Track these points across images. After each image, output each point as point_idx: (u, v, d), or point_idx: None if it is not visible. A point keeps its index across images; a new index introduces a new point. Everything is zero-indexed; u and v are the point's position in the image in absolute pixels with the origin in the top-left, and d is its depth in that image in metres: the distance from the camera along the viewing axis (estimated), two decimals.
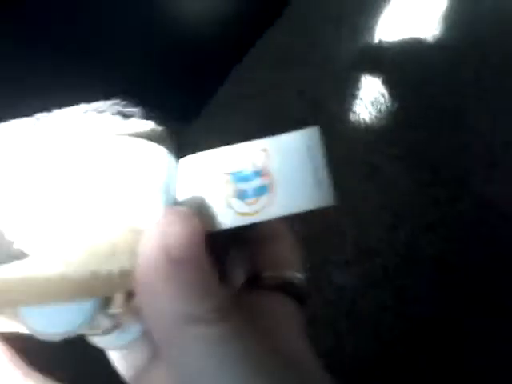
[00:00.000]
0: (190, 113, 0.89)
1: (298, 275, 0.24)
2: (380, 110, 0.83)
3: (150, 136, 0.21)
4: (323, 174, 0.19)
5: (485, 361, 0.57)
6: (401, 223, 0.68)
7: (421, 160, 0.73)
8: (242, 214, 0.19)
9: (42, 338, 0.20)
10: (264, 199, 0.19)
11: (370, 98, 0.85)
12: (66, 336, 0.20)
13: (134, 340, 0.22)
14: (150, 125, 0.21)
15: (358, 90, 0.87)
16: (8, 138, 0.21)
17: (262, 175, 0.19)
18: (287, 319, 0.22)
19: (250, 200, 0.19)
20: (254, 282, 0.23)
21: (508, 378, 0.56)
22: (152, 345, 0.23)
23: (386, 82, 0.87)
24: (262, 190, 0.19)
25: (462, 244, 0.65)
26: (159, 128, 0.21)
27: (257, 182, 0.19)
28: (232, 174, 0.19)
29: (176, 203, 0.20)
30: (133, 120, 0.21)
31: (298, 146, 0.20)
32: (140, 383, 0.23)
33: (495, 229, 0.66)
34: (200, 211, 0.19)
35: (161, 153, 0.20)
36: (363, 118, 0.82)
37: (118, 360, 0.24)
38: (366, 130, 0.81)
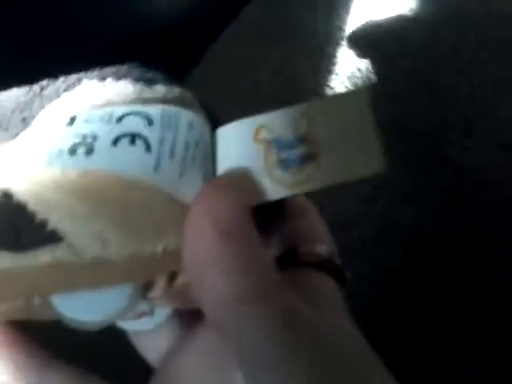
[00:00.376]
0: None
1: (334, 253, 0.22)
2: (356, 84, 0.82)
3: (180, 103, 0.19)
4: (372, 138, 0.17)
5: (461, 327, 0.57)
6: (378, 195, 0.67)
7: (397, 132, 0.73)
8: (287, 185, 0.17)
9: (78, 327, 0.18)
10: (309, 168, 0.17)
11: (347, 73, 0.85)
12: (105, 324, 0.18)
13: (161, 323, 0.21)
14: (177, 91, 0.19)
15: (334, 65, 0.87)
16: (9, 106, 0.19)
17: (307, 142, 0.17)
18: (332, 299, 0.21)
19: (294, 169, 0.17)
20: (290, 257, 0.22)
21: (485, 344, 0.56)
22: (179, 328, 0.22)
23: (362, 57, 0.87)
24: (306, 158, 0.17)
25: (439, 213, 0.65)
26: (187, 94, 0.19)
27: (301, 150, 0.17)
28: (274, 141, 0.18)
29: (216, 175, 0.18)
30: (158, 86, 0.19)
31: (343, 109, 0.18)
32: (167, 367, 0.21)
33: (471, 197, 0.66)
34: (242, 183, 0.18)
35: (198, 121, 0.18)
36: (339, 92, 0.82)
37: (142, 343, 0.23)
38: None
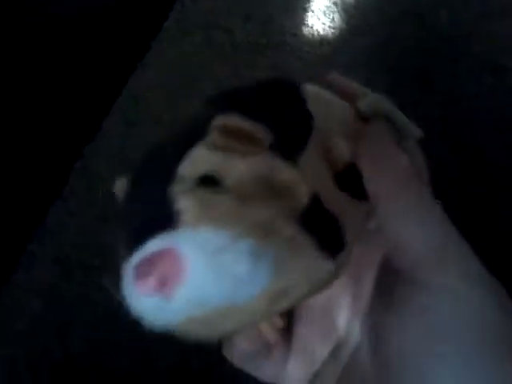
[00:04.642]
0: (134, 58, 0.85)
1: None
2: (333, 19, 0.78)
3: None
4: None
5: None
6: None
7: (379, 65, 0.70)
8: None
9: None
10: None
11: (323, 9, 0.81)
12: None
13: None
14: None
15: (309, 2, 0.83)
16: None
17: None
18: None
19: None
20: None
21: None
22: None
23: None
24: None
25: (429, 145, 0.63)
26: None
27: None
28: None
29: None
30: None
31: None
32: None
33: (461, 126, 0.64)
34: None
35: None
36: (317, 30, 0.78)
37: None
38: (321, 42, 0.76)
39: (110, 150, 0.73)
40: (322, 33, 0.77)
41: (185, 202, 0.17)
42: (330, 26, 0.78)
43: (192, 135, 0.19)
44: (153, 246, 0.17)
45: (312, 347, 0.24)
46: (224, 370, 0.56)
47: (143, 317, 0.18)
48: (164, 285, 0.16)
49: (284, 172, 0.18)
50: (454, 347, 0.18)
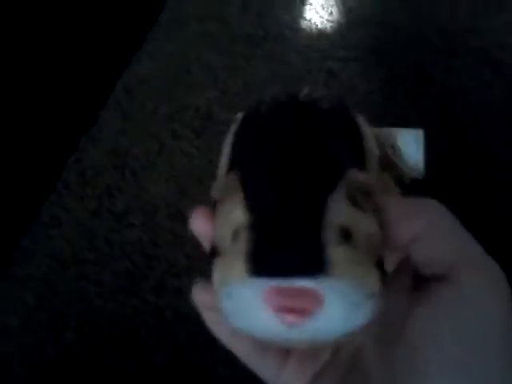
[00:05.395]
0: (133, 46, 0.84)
1: None
2: (331, 12, 0.78)
3: None
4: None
5: None
6: None
7: (376, 58, 0.69)
8: None
9: None
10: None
11: (320, 2, 0.80)
12: None
13: None
14: None
15: None
16: None
17: None
18: None
19: None
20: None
21: None
22: None
23: None
24: None
25: (428, 139, 0.63)
26: None
27: None
28: None
29: None
30: None
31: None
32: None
33: (460, 121, 0.63)
34: None
35: None
36: (315, 24, 0.77)
37: None
38: (319, 36, 0.76)
39: (104, 143, 0.72)
40: (320, 26, 0.77)
41: (337, 255, 0.19)
42: (327, 20, 0.77)
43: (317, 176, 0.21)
44: (302, 282, 0.19)
45: (313, 350, 0.23)
46: (221, 367, 0.56)
47: (258, 333, 0.21)
48: (299, 316, 0.19)
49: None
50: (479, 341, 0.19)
